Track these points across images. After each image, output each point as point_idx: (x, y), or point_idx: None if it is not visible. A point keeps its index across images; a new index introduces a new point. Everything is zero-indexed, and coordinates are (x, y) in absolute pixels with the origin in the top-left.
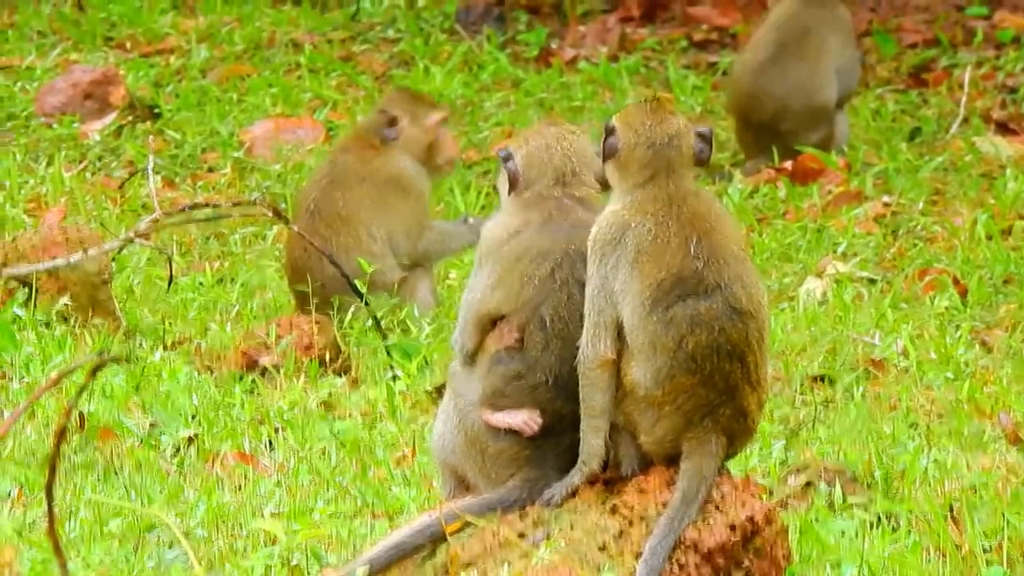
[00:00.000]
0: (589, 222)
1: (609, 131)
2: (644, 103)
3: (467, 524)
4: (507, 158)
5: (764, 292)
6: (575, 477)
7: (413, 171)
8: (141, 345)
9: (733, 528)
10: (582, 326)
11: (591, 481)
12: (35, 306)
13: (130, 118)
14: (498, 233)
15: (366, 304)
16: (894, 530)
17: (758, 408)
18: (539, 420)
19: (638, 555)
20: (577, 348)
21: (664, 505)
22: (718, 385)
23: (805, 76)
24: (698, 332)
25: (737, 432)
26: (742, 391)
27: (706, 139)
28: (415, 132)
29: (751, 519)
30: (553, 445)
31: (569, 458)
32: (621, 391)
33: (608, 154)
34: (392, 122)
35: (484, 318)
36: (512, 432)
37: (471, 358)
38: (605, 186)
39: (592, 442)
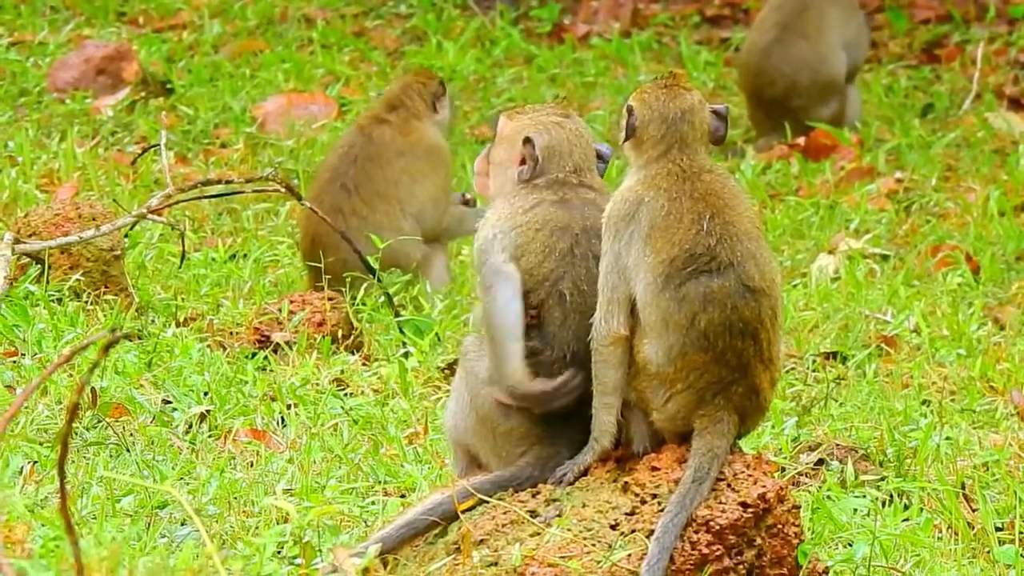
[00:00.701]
0: (600, 201)
1: (629, 111)
2: (659, 80)
3: (479, 502)
4: (526, 141)
5: (777, 270)
6: (587, 455)
7: (446, 147)
8: (153, 321)
9: (745, 506)
10: None
11: (603, 459)
12: (47, 282)
13: (143, 93)
14: (508, 211)
15: (378, 280)
16: (906, 508)
17: (770, 386)
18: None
19: (650, 533)
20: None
21: (676, 483)
22: (730, 363)
23: (809, 52)
24: (711, 310)
25: (749, 410)
26: (754, 369)
27: (722, 117)
28: (448, 115)
29: (763, 497)
30: (564, 423)
31: (580, 436)
32: (633, 368)
33: (629, 134)
34: (443, 91)
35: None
36: (523, 410)
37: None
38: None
39: (604, 419)
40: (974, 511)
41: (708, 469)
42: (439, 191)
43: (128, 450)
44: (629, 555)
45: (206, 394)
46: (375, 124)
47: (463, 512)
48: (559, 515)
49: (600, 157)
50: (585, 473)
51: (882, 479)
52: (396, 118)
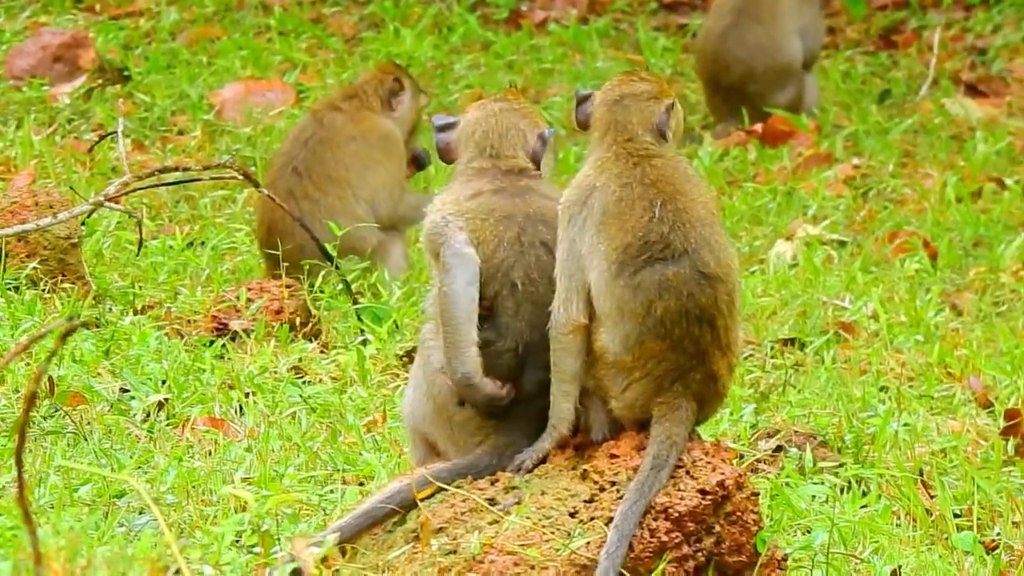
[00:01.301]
0: (536, 188)
1: (580, 99)
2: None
3: (438, 490)
4: (442, 128)
5: (734, 256)
6: (545, 442)
7: (399, 136)
8: (111, 309)
9: (704, 493)
10: (551, 289)
11: (561, 446)
12: (4, 270)
13: (100, 81)
14: (451, 198)
15: (336, 268)
16: (864, 494)
17: (728, 372)
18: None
19: (609, 521)
20: (547, 312)
21: (634, 471)
22: (688, 350)
23: (765, 37)
24: (666, 297)
25: (707, 397)
26: (712, 355)
27: (666, 110)
28: (411, 107)
29: (722, 484)
30: (521, 412)
31: (537, 424)
32: (591, 356)
33: (578, 119)
34: (401, 88)
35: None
36: None
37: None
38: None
39: (562, 406)
40: (932, 498)
41: (667, 456)
42: (392, 179)
43: (86, 439)
44: (588, 543)
45: (164, 382)
46: (328, 110)
47: (422, 500)
48: (518, 503)
49: (541, 139)
50: (544, 460)
51: (840, 466)
52: (349, 107)
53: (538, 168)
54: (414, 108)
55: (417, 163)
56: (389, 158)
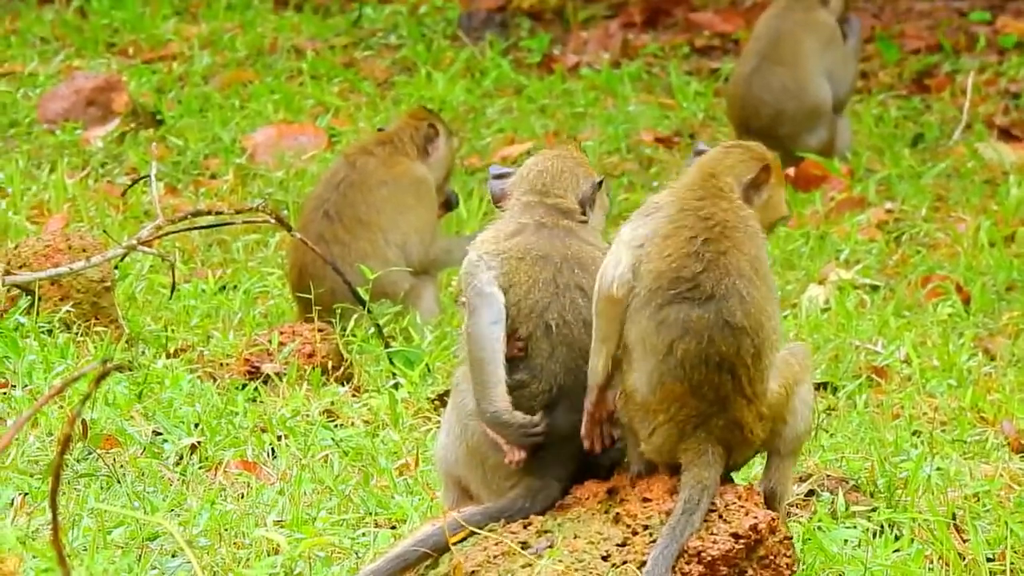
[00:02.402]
0: (578, 231)
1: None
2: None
3: (470, 534)
4: (499, 176)
5: (772, 314)
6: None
7: (432, 182)
8: (144, 353)
9: (737, 537)
10: (586, 333)
11: (599, 400)
12: (38, 313)
13: (133, 125)
14: (492, 235)
15: (368, 312)
16: (897, 539)
17: (757, 420)
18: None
19: (641, 564)
20: (581, 355)
21: (667, 514)
22: (707, 396)
23: (788, 79)
24: (687, 339)
25: (734, 443)
26: (735, 403)
27: (755, 186)
28: (446, 152)
29: (755, 528)
30: (554, 454)
31: (571, 467)
32: (623, 394)
33: None
34: (436, 133)
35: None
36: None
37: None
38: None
39: (592, 360)
40: (965, 542)
41: (698, 500)
42: (424, 223)
43: (119, 482)
44: None
45: (196, 425)
46: (361, 154)
47: (454, 544)
48: (550, 546)
49: (592, 185)
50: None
51: (873, 510)
52: (383, 152)
53: (584, 213)
54: (448, 152)
55: (447, 205)
56: (421, 203)
